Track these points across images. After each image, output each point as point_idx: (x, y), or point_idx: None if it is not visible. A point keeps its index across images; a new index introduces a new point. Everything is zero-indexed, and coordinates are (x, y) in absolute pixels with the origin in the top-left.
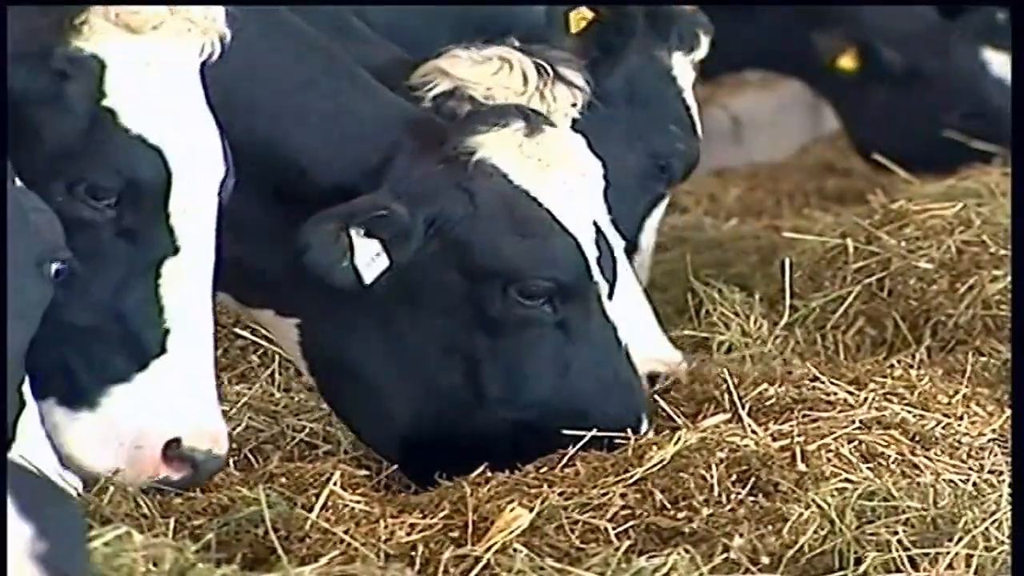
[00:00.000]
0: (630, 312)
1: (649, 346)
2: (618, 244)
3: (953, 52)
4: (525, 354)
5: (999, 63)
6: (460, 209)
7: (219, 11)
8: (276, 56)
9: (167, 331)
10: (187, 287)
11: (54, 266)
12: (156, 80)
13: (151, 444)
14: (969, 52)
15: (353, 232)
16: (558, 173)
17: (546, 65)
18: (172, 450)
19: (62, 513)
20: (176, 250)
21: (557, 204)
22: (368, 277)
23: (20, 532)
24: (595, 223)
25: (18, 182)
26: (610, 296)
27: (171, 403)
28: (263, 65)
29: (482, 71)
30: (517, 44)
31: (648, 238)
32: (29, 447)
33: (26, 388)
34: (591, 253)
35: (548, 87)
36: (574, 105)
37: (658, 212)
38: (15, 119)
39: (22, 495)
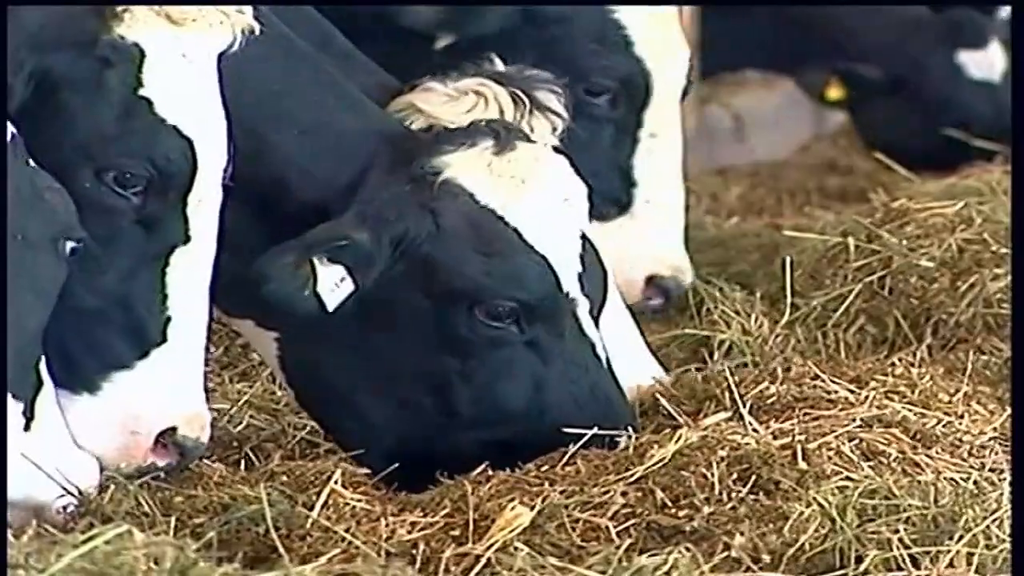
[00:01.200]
0: (659, 212)
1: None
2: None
3: (925, 63)
4: (495, 374)
5: (976, 63)
6: (424, 230)
7: (248, 7)
8: (263, 65)
9: (168, 319)
10: (192, 276)
11: (69, 244)
12: (190, 71)
13: (146, 431)
14: (942, 60)
15: (316, 259)
16: (533, 189)
17: (522, 95)
18: (165, 438)
19: None
20: (187, 239)
21: (531, 221)
22: (332, 303)
23: None
24: (582, 237)
25: (31, 163)
26: (599, 310)
27: (168, 391)
28: (250, 74)
29: (456, 108)
30: (495, 71)
31: (650, 182)
32: (46, 428)
33: (43, 368)
34: (569, 269)
35: (525, 119)
36: (553, 131)
37: (646, 148)
38: (50, 103)
39: None
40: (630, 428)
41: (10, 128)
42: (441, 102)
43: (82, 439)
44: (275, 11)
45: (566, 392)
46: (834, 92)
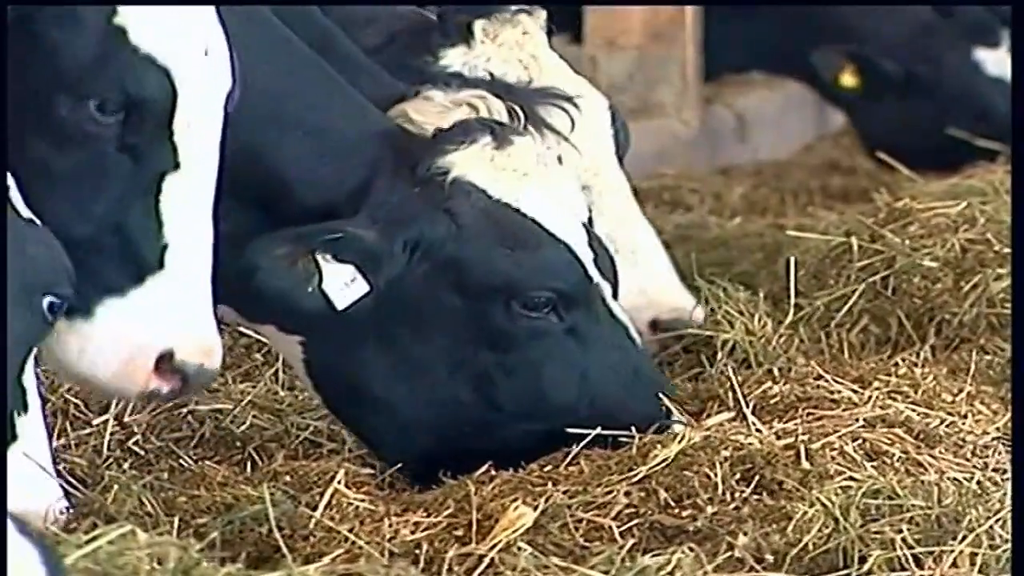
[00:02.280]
0: (643, 257)
1: (658, 292)
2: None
3: (944, 59)
4: (540, 365)
5: (993, 61)
6: (443, 231)
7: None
8: (265, 67)
9: (165, 246)
10: (187, 203)
11: (47, 300)
12: None
13: (145, 355)
14: (961, 56)
15: (321, 257)
16: (536, 181)
17: (519, 109)
18: (165, 363)
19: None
20: (177, 166)
21: (540, 212)
22: (341, 302)
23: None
24: (585, 225)
25: (26, 212)
26: (614, 296)
27: (165, 317)
28: (252, 76)
29: (447, 119)
30: (501, 83)
31: (617, 230)
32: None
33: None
34: (586, 256)
35: (503, 146)
36: (548, 149)
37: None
38: (25, 34)
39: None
40: (670, 410)
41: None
42: (434, 112)
43: (83, 364)
44: (277, 13)
45: (611, 376)
46: (848, 78)
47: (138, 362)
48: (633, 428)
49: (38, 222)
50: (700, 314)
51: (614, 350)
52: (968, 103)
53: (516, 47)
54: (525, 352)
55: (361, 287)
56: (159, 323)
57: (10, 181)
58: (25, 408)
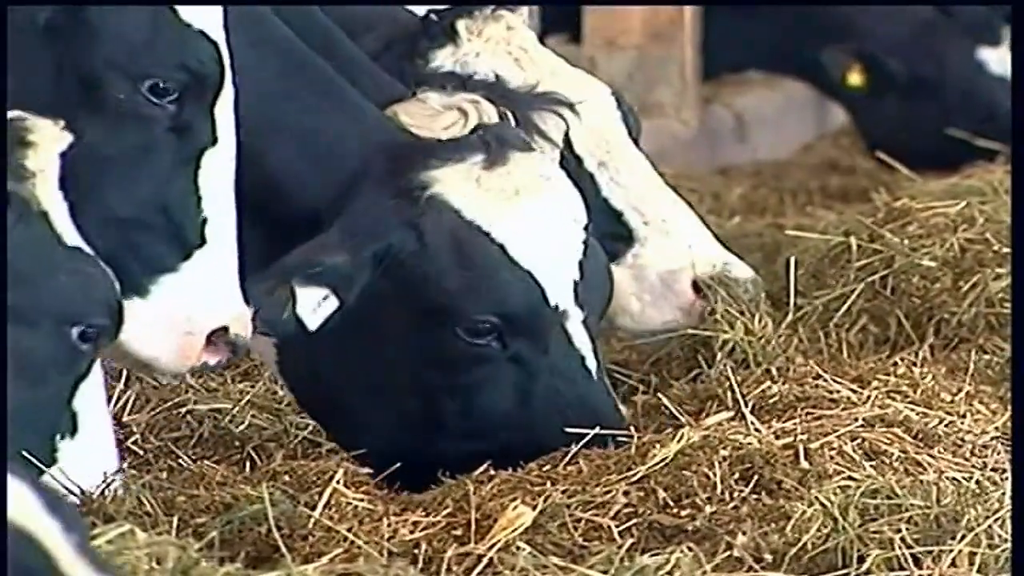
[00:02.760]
0: (673, 224)
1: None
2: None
3: (948, 59)
4: (479, 389)
5: (996, 60)
6: (408, 246)
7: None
8: (260, 67)
9: (205, 221)
10: (220, 177)
11: (76, 329)
12: None
13: (200, 330)
14: (964, 56)
15: (295, 283)
16: (525, 201)
17: (511, 115)
18: (217, 336)
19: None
20: (215, 141)
21: (520, 235)
22: (313, 324)
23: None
24: (585, 243)
25: (73, 239)
26: (601, 315)
27: (215, 291)
28: (246, 77)
29: (435, 124)
30: (499, 87)
31: (643, 205)
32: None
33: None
34: (562, 280)
35: (495, 166)
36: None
37: (608, 179)
38: (76, 22)
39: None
40: (608, 441)
41: (52, 202)
42: (424, 115)
43: (140, 344)
44: (279, 14)
45: (552, 405)
46: (855, 77)
47: (194, 338)
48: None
49: (86, 249)
50: (742, 270)
51: (560, 379)
52: (973, 103)
53: (503, 42)
54: (466, 375)
55: (332, 304)
56: (212, 298)
57: (59, 207)
58: (72, 433)
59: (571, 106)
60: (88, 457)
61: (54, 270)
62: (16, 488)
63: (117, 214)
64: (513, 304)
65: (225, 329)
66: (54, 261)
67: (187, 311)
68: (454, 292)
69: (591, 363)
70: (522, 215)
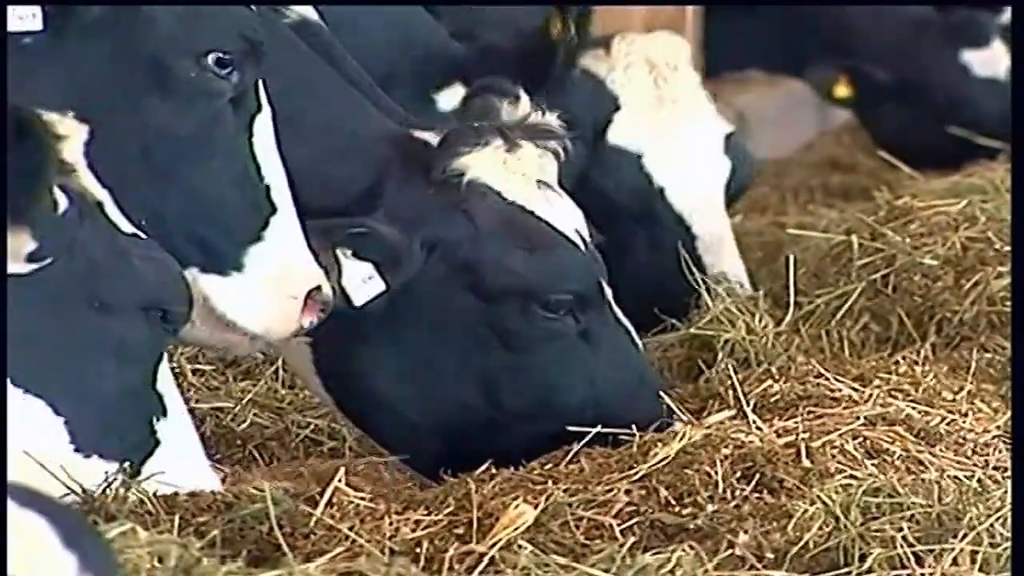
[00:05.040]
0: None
1: None
2: None
3: (932, 65)
4: (552, 367)
5: (980, 61)
6: (461, 232)
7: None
8: (273, 66)
9: (268, 187)
10: (269, 141)
11: (157, 313)
12: None
13: (300, 293)
14: (948, 60)
15: (340, 253)
16: (541, 186)
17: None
18: (313, 297)
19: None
20: (260, 107)
21: (554, 214)
22: (358, 299)
23: (65, 562)
24: (578, 232)
25: (128, 226)
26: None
27: (299, 254)
28: (270, 75)
29: None
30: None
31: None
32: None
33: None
34: (596, 256)
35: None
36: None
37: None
38: (129, 12)
39: (62, 526)
40: (663, 415)
41: (99, 193)
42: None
43: (245, 317)
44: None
45: (619, 379)
46: (842, 90)
47: (296, 301)
48: (635, 427)
49: (141, 236)
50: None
51: (622, 354)
52: (958, 107)
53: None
54: (538, 354)
55: (378, 285)
56: (302, 261)
57: (104, 196)
58: (164, 413)
59: (561, 137)
60: (181, 439)
61: (126, 258)
62: (33, 523)
63: (199, 193)
64: (581, 278)
65: (319, 289)
66: (124, 249)
67: (283, 277)
68: (523, 271)
69: (636, 338)
70: (544, 198)
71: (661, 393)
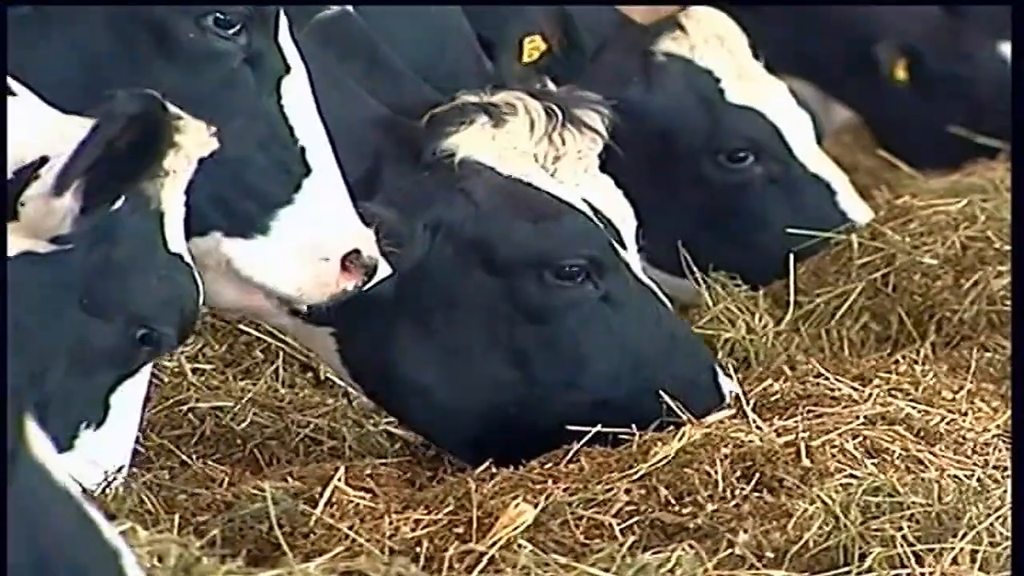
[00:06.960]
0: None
1: None
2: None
3: (973, 54)
4: (580, 334)
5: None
6: (462, 210)
7: None
8: None
9: (303, 149)
10: (303, 103)
11: (141, 331)
12: None
13: (334, 255)
14: (988, 50)
15: None
16: (535, 157)
17: (556, 108)
18: (351, 260)
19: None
20: (288, 68)
21: (553, 184)
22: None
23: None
24: (584, 200)
25: (176, 246)
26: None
27: (335, 216)
28: None
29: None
30: (539, 88)
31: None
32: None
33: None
34: (599, 223)
35: (557, 131)
36: (591, 148)
37: None
38: None
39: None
40: (716, 368)
41: (173, 207)
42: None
43: (274, 280)
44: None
45: (651, 341)
46: (901, 72)
47: (330, 264)
48: (675, 395)
49: (186, 257)
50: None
51: (649, 314)
52: (1003, 98)
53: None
54: (563, 323)
55: (383, 269)
56: (337, 224)
57: (178, 211)
58: (99, 424)
59: (607, 104)
60: (101, 451)
61: (148, 271)
62: None
63: (220, 155)
64: (591, 243)
65: (357, 252)
66: (152, 262)
67: (314, 240)
68: (531, 241)
69: (663, 297)
70: (538, 168)
71: (699, 351)
